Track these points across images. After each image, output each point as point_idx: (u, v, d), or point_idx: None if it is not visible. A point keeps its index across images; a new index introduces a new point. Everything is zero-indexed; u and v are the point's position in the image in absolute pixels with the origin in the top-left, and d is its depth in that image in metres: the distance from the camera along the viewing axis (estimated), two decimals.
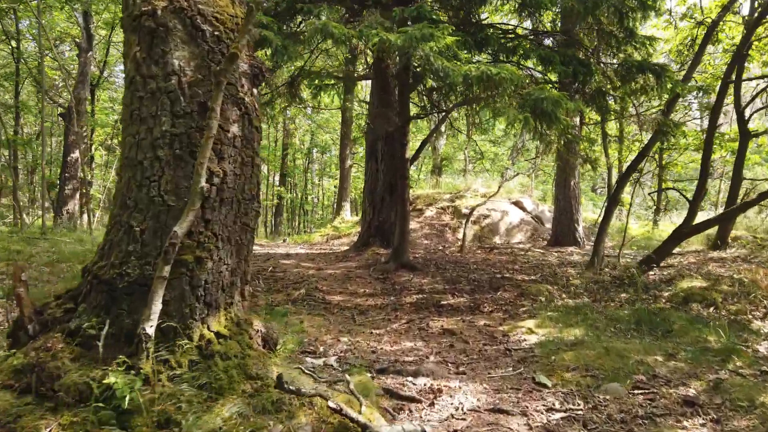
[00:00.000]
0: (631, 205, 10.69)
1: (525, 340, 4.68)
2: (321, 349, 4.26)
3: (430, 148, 28.50)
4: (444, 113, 9.40)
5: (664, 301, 6.22)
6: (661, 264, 8.96)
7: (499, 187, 12.22)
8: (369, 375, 3.71)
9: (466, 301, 6.50)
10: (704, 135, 9.80)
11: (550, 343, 4.38)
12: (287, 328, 4.80)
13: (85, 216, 21.27)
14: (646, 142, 10.40)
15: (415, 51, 4.62)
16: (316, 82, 7.53)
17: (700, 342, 4.37)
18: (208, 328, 2.88)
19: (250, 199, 3.19)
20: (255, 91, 3.32)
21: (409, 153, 10.15)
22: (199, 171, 2.77)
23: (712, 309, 5.68)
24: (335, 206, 22.32)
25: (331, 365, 3.84)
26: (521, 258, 10.69)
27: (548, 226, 16.61)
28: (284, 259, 10.02)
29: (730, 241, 11.97)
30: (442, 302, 6.40)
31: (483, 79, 4.79)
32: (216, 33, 3.06)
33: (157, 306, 2.59)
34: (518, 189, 18.10)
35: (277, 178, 32.44)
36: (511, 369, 3.97)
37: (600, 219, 17.90)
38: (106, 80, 23.96)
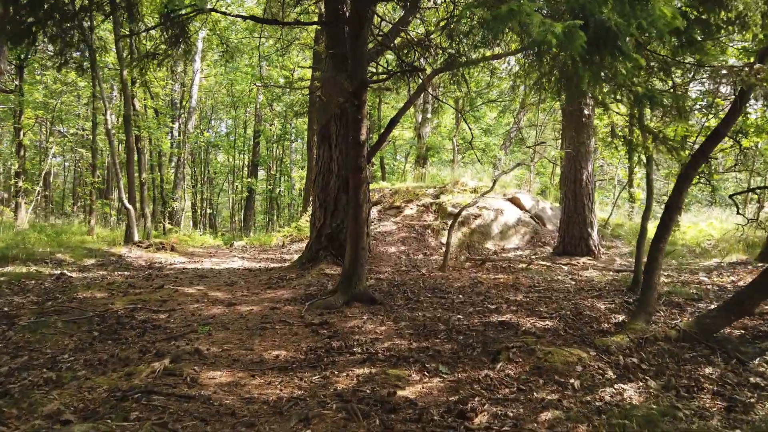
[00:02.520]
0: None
1: None
2: None
3: (415, 137, 25.65)
4: (418, 74, 6.58)
5: None
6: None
7: (494, 182, 9.42)
8: None
9: (441, 388, 3.69)
10: None
11: None
12: None
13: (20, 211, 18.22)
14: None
15: None
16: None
17: None
18: None
19: None
20: None
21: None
22: None
23: None
24: (303, 201, 19.45)
25: None
26: (524, 278, 7.90)
27: (550, 227, 13.90)
28: (194, 282, 7.15)
29: None
30: (400, 391, 3.59)
31: None
32: None
33: None
34: (514, 182, 15.32)
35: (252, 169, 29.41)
36: None
37: (610, 219, 15.10)
38: (41, 52, 20.73)
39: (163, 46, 5.80)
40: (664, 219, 5.04)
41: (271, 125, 28.59)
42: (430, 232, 13.18)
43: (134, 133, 12.05)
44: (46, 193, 29.81)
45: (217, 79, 26.67)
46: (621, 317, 5.57)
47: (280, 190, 28.62)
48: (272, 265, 9.28)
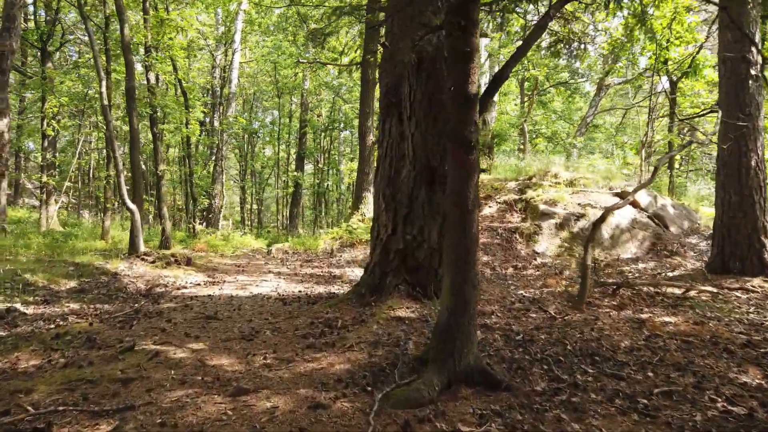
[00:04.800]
0: None
1: None
2: None
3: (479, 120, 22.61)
4: None
5: None
6: None
7: (655, 170, 6.30)
8: None
9: None
10: None
11: None
12: None
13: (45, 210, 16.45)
14: None
15: None
16: None
17: None
18: None
19: None
20: None
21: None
22: None
23: None
24: (354, 197, 16.83)
25: None
26: (715, 324, 4.91)
27: (674, 230, 10.73)
28: (192, 331, 4.55)
29: None
30: None
31: None
32: None
33: None
34: (620, 173, 12.10)
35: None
36: None
37: None
38: (67, 33, 18.87)
39: None
40: None
41: (318, 116, 26.11)
42: (518, 237, 10.27)
43: (146, 113, 9.73)
44: (89, 188, 28.51)
45: (259, 63, 24.39)
46: None
47: (327, 185, 26.13)
48: (317, 290, 6.64)
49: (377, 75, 16.66)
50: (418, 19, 5.01)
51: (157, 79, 18.07)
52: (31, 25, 18.25)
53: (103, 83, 8.18)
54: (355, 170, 23.90)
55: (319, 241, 12.81)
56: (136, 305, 5.51)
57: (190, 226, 13.97)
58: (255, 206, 30.36)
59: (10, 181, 23.48)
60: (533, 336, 4.32)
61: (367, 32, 14.70)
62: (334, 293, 6.37)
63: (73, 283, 6.37)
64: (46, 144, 17.01)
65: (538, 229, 10.26)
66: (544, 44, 11.02)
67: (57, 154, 19.52)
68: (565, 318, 4.89)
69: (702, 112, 8.30)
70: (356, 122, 23.75)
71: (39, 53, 17.44)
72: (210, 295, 6.31)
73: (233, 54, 18.97)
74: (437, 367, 3.41)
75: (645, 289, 6.82)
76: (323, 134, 25.98)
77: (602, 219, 5.67)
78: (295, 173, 24.88)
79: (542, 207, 10.65)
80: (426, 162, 5.20)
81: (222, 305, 5.65)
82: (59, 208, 18.80)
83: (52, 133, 16.89)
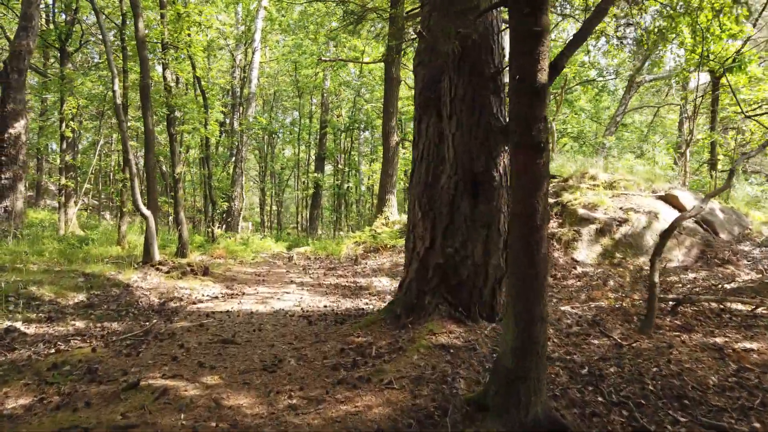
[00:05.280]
0: None
1: None
2: None
3: None
4: None
5: None
6: None
7: (731, 173, 5.62)
8: None
9: None
10: None
11: None
12: None
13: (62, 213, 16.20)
14: None
15: None
16: None
17: None
18: None
19: None
20: None
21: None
22: None
23: None
24: (378, 200, 16.25)
25: None
26: None
27: (724, 236, 9.94)
28: (206, 360, 4.01)
29: None
30: None
31: None
32: None
33: None
34: (663, 175, 11.30)
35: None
36: None
37: None
38: (87, 33, 18.61)
39: None
40: None
41: (338, 116, 25.60)
42: (555, 243, 9.59)
43: (162, 113, 9.33)
44: (110, 190, 28.41)
45: (280, 63, 23.98)
46: None
47: (348, 186, 25.61)
48: (344, 304, 6.08)
49: (401, 72, 16.10)
50: (461, 4, 4.41)
51: (177, 80, 17.76)
52: (51, 26, 18.05)
53: (116, 81, 7.75)
54: (377, 171, 23.36)
55: (342, 246, 12.27)
56: (147, 324, 5.01)
57: (209, 230, 13.55)
58: (274, 207, 30.03)
59: (31, 182, 23.47)
60: (602, 369, 3.69)
61: (391, 27, 14.12)
62: (362, 309, 5.81)
63: (81, 297, 5.90)
64: (65, 146, 16.77)
65: (577, 235, 9.56)
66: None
67: (78, 156, 19.31)
68: (633, 345, 4.24)
69: None
70: (378, 122, 23.22)
71: (59, 54, 17.20)
72: (228, 311, 5.78)
73: (253, 53, 18.57)
74: (499, 417, 2.81)
75: (706, 305, 6.13)
76: (344, 135, 25.48)
77: (672, 228, 5.00)
78: (315, 174, 24.45)
79: (581, 211, 9.95)
80: (469, 166, 4.60)
81: (240, 324, 5.12)
82: (79, 210, 18.59)
83: (71, 135, 16.65)
